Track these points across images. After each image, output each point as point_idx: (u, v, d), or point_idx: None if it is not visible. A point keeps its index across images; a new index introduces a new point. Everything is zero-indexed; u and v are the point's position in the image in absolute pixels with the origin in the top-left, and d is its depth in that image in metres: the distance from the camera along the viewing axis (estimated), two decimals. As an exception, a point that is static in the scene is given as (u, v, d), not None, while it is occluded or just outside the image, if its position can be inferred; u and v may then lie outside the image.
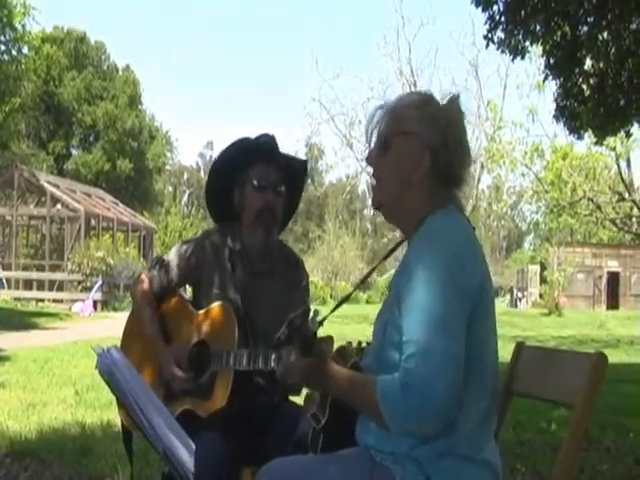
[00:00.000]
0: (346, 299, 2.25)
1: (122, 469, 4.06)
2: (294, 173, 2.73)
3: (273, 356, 2.33)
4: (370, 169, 1.98)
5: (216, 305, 2.58)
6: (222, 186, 2.70)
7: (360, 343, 2.03)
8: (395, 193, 1.89)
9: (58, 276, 25.71)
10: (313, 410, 1.95)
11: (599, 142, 11.10)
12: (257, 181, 2.63)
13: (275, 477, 1.80)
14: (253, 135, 2.73)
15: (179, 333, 2.65)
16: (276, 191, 2.65)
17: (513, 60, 8.62)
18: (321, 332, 1.97)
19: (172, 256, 2.72)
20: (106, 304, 23.81)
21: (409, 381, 1.64)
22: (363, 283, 2.34)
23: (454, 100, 1.92)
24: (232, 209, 2.71)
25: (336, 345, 2.00)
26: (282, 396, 2.64)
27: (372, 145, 1.95)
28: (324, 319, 1.90)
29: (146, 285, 2.70)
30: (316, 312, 1.87)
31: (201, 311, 2.63)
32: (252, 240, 2.67)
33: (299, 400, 2.43)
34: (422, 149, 1.85)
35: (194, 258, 2.69)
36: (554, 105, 8.85)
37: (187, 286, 2.83)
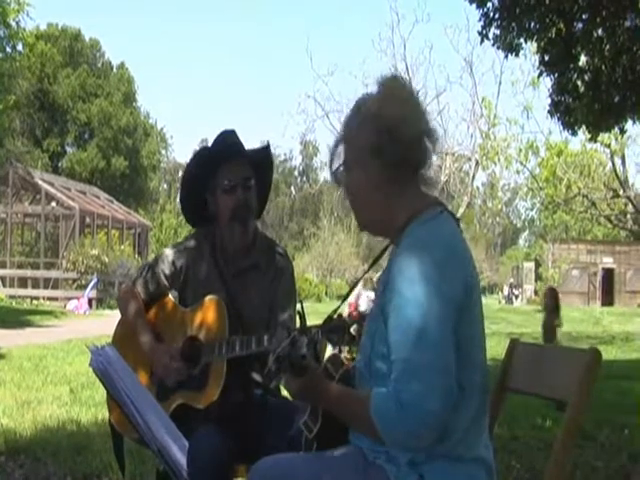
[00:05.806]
0: (334, 312, 2.15)
1: (116, 467, 4.05)
2: (259, 160, 2.73)
3: (266, 337, 2.34)
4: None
5: (205, 300, 2.58)
6: (195, 198, 2.72)
7: (350, 314, 2.02)
8: (369, 213, 1.86)
9: (53, 274, 25.65)
10: (304, 418, 1.94)
11: (593, 138, 11.11)
12: (226, 181, 2.63)
13: (267, 474, 1.80)
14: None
15: (170, 332, 2.65)
16: (246, 186, 2.65)
17: (507, 57, 8.63)
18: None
19: (158, 263, 2.74)
20: (101, 302, 23.77)
21: (403, 399, 1.62)
22: (354, 288, 2.34)
23: (387, 82, 1.84)
24: (208, 214, 2.72)
25: (324, 318, 1.98)
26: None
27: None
28: (315, 341, 1.82)
29: (135, 304, 2.71)
30: (304, 330, 1.82)
31: (190, 308, 2.64)
32: (232, 238, 2.68)
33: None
34: (370, 157, 1.79)
35: (179, 263, 2.72)
36: (549, 101, 8.87)
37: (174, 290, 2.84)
